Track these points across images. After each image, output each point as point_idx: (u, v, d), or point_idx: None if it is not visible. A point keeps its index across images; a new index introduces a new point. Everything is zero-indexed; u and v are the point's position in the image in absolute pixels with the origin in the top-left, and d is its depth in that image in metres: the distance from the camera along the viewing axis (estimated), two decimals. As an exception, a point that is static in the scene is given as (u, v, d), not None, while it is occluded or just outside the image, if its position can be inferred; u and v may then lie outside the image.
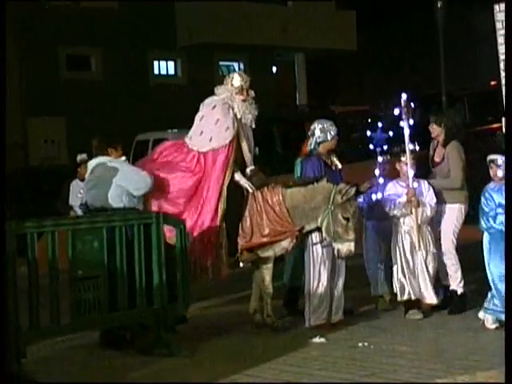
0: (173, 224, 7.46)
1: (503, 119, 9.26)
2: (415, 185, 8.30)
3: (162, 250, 7.25)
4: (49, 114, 23.12)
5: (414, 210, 8.22)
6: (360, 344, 7.29)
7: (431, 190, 8.40)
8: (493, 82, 17.93)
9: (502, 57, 9.74)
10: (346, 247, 7.74)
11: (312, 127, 8.37)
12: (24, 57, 22.44)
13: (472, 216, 9.28)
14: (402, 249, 8.31)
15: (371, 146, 8.60)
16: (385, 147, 8.53)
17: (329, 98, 27.51)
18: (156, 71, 26.08)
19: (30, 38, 22.56)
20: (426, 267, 8.22)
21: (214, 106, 8.08)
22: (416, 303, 8.25)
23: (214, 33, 24.74)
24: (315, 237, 8.03)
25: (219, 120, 8.00)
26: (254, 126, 8.23)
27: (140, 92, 24.19)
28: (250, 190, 8.03)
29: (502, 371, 6.03)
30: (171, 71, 26.46)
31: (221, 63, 26.94)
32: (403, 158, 8.45)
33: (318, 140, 8.29)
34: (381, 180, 8.55)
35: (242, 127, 8.13)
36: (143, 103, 23.76)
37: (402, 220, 8.34)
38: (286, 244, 8.02)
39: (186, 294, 7.46)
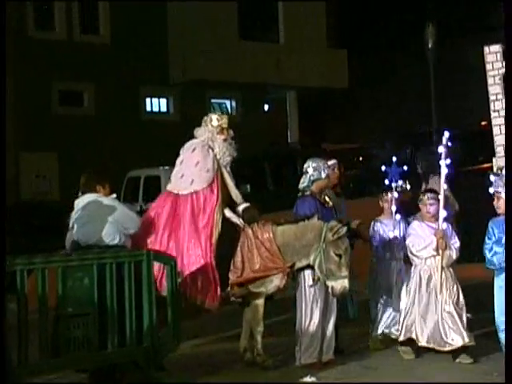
0: (163, 261, 7.45)
1: (494, 159, 9.32)
2: (444, 226, 8.09)
3: (152, 287, 7.23)
4: (41, 149, 23.16)
5: (441, 251, 8.06)
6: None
7: (454, 232, 8.30)
8: (483, 122, 18.06)
9: (492, 97, 9.82)
10: (340, 284, 7.72)
11: (305, 165, 8.40)
12: (17, 92, 22.52)
13: (468, 254, 9.29)
14: (418, 290, 8.10)
15: (386, 182, 8.58)
16: (400, 182, 8.49)
17: (320, 136, 27.63)
18: (148, 108, 26.20)
19: (24, 73, 22.66)
20: (443, 310, 7.98)
21: (194, 149, 8.16)
22: (411, 341, 8.17)
23: (207, 70, 24.90)
24: (308, 276, 8.02)
25: (199, 162, 8.07)
26: (228, 168, 8.22)
27: (132, 128, 24.27)
28: (241, 226, 8.05)
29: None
30: (163, 108, 26.58)
31: (213, 101, 27.08)
32: (425, 199, 8.27)
33: (312, 178, 8.31)
34: (397, 216, 8.53)
35: (223, 166, 8.18)
36: (135, 140, 23.84)
37: (423, 261, 8.17)
38: (278, 281, 8.00)
39: (177, 332, 7.43)
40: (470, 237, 14.39)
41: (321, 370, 7.79)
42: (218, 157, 8.12)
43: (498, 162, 8.89)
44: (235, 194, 8.24)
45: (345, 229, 7.78)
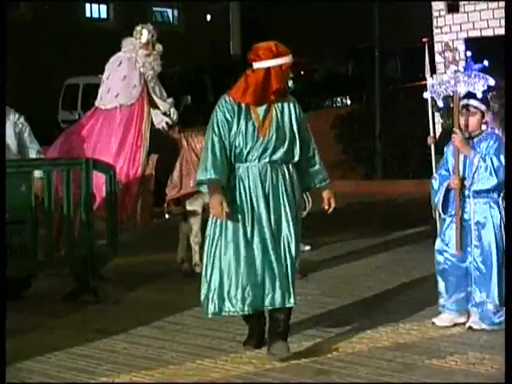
0: (102, 170, 7.40)
1: (428, 76, 9.36)
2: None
3: (90, 196, 7.21)
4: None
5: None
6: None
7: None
8: (424, 39, 18.08)
9: (435, 14, 9.83)
10: None
11: None
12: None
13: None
14: None
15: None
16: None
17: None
18: (88, 14, 25.57)
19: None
20: None
21: (120, 63, 8.08)
22: None
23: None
24: None
25: (126, 77, 8.01)
26: (153, 82, 8.15)
27: (71, 34, 23.69)
28: (170, 122, 8.10)
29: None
30: (103, 15, 25.98)
31: (154, 9, 26.55)
32: None
33: None
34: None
35: (148, 80, 8.14)
36: (74, 46, 23.30)
37: None
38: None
39: (115, 241, 7.44)
40: (406, 154, 14.59)
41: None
42: (142, 70, 8.05)
43: (438, 78, 8.92)
44: (164, 106, 8.18)
45: None
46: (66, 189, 7.10)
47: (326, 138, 13.50)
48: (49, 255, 7.08)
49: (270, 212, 5.42)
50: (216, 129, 5.49)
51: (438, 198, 6.06)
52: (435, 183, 6.13)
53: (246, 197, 5.43)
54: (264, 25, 29.91)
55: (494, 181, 5.90)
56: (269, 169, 5.47)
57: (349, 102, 23.15)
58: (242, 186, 5.46)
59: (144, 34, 8.14)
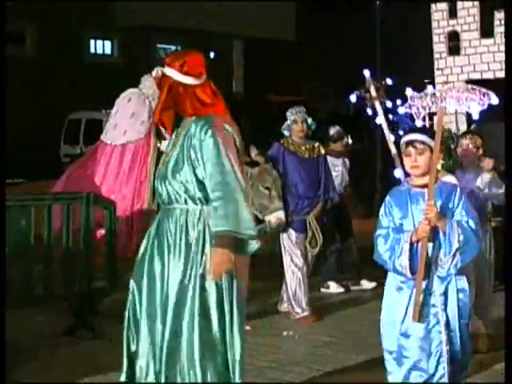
0: (103, 205, 7.41)
1: (434, 118, 9.43)
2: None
3: (89, 230, 7.20)
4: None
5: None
6: (284, 333, 7.34)
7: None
8: (426, 80, 18.19)
9: (437, 55, 9.92)
10: (275, 216, 7.68)
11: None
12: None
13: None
14: None
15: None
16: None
17: (266, 87, 27.59)
18: (92, 50, 25.77)
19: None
20: None
21: (130, 99, 8.12)
22: None
23: (153, 15, 24.56)
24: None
25: (134, 114, 8.04)
26: None
27: (75, 70, 23.87)
28: None
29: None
30: (107, 51, 26.18)
31: (158, 46, 26.78)
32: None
33: (285, 126, 8.20)
34: None
35: None
36: (77, 81, 23.46)
37: None
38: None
39: (113, 276, 7.42)
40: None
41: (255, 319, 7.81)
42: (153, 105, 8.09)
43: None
44: None
45: (254, 150, 7.77)
46: (65, 223, 7.11)
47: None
48: (48, 290, 7.06)
49: (167, 273, 4.43)
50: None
51: (401, 258, 4.61)
52: (384, 242, 4.75)
53: (151, 249, 4.54)
54: (267, 63, 30.14)
55: (477, 248, 4.63)
56: (172, 214, 4.34)
57: (350, 140, 23.33)
58: (151, 235, 4.52)
59: None
